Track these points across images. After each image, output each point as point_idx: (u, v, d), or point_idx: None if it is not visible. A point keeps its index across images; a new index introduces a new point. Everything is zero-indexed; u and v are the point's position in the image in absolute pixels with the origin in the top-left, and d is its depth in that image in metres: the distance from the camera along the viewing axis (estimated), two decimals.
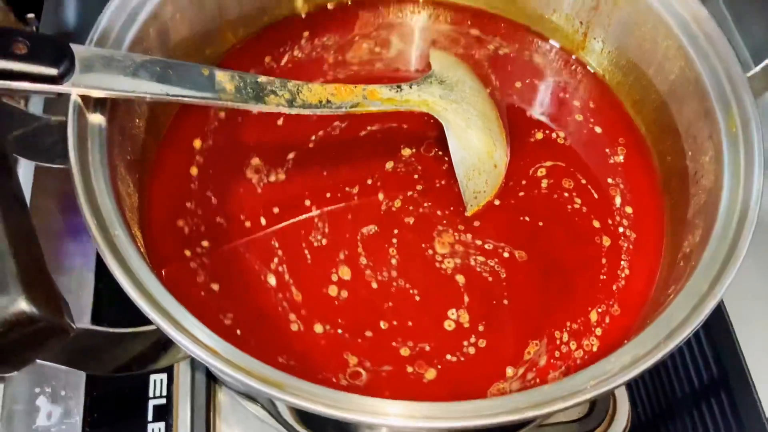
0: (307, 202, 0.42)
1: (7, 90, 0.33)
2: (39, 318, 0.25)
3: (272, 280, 0.39)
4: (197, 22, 0.43)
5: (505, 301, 0.40)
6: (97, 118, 0.35)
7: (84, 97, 0.35)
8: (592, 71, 0.49)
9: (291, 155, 0.44)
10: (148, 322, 0.31)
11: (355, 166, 0.44)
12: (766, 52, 0.42)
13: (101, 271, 0.51)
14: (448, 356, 0.38)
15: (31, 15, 0.83)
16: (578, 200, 0.43)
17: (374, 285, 0.40)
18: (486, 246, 0.41)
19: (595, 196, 0.44)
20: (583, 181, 0.44)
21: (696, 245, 0.37)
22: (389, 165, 0.44)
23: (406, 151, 0.45)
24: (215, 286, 0.39)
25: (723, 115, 0.39)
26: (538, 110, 0.47)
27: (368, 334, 0.38)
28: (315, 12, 0.50)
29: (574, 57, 0.49)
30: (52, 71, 0.33)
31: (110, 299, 0.49)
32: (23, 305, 0.24)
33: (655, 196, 0.44)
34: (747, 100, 0.38)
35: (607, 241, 0.42)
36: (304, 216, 0.42)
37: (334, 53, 0.49)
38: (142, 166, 0.40)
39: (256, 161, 0.43)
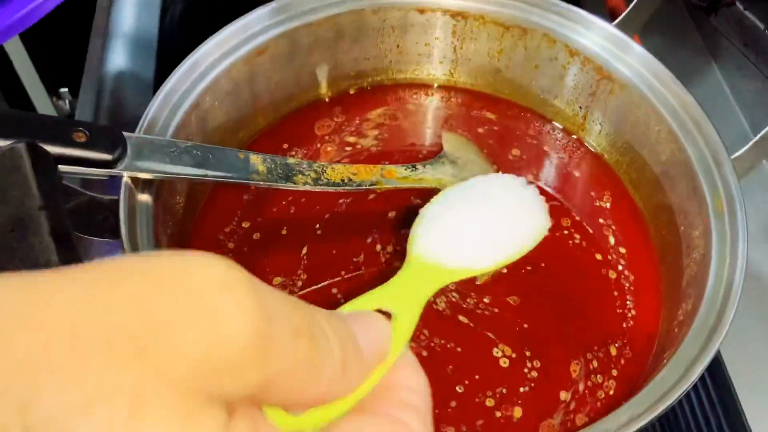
0: (334, 290, 0.45)
1: (68, 173, 0.37)
2: None
3: None
4: (233, 109, 0.48)
5: (525, 325, 0.43)
6: (144, 198, 0.39)
7: (134, 179, 0.39)
8: (592, 150, 0.53)
9: (304, 251, 0.46)
10: None
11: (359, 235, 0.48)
12: (764, 125, 0.45)
13: None
14: (521, 389, 0.41)
15: (64, 89, 0.89)
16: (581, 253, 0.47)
17: (425, 354, 0.42)
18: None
19: (601, 271, 0.47)
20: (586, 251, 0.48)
21: (688, 313, 0.40)
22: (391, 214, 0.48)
23: None
24: None
25: (710, 194, 0.42)
26: (542, 185, 0.51)
27: (453, 404, 0.41)
28: (338, 96, 0.55)
29: (575, 137, 0.53)
30: (108, 157, 0.37)
31: None
32: None
33: (653, 267, 0.47)
34: (732, 181, 0.42)
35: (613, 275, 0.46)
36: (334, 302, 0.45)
37: (355, 132, 0.53)
38: (180, 239, 0.44)
39: (278, 279, 0.45)
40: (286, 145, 0.52)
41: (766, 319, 0.58)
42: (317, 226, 0.48)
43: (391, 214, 0.48)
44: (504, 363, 0.42)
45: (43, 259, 0.31)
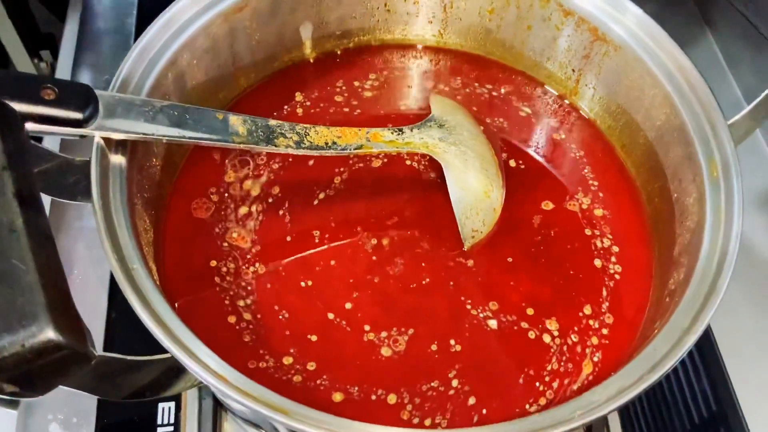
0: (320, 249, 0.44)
1: (36, 133, 0.35)
2: (64, 346, 0.27)
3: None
4: (212, 68, 0.46)
5: (511, 287, 0.43)
6: (118, 159, 0.38)
7: (106, 139, 0.37)
8: (584, 115, 0.51)
9: (288, 218, 0.45)
10: (158, 350, 0.33)
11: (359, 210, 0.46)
12: (757, 93, 0.44)
13: (113, 301, 0.53)
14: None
15: (45, 51, 0.86)
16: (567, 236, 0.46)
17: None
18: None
19: (587, 232, 0.46)
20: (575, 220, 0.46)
21: (680, 282, 0.39)
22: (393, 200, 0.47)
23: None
24: (232, 319, 0.41)
25: (705, 160, 0.41)
26: (532, 151, 0.50)
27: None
28: (323, 57, 0.53)
29: (567, 102, 0.52)
30: (78, 115, 0.35)
31: (121, 329, 0.51)
32: (51, 334, 0.26)
33: (644, 235, 0.46)
34: (728, 147, 0.41)
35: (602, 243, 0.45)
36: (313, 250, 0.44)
37: (339, 95, 0.51)
38: (157, 204, 0.43)
39: (256, 248, 0.44)
40: (268, 108, 0.50)
41: (755, 291, 0.58)
42: (287, 188, 0.46)
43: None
44: (491, 325, 0.42)
45: (6, 220, 0.29)
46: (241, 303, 0.41)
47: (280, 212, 0.45)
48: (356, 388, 0.39)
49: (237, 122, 0.40)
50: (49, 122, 0.35)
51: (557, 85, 0.52)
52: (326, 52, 0.53)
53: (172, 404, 0.49)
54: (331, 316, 0.41)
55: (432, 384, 0.39)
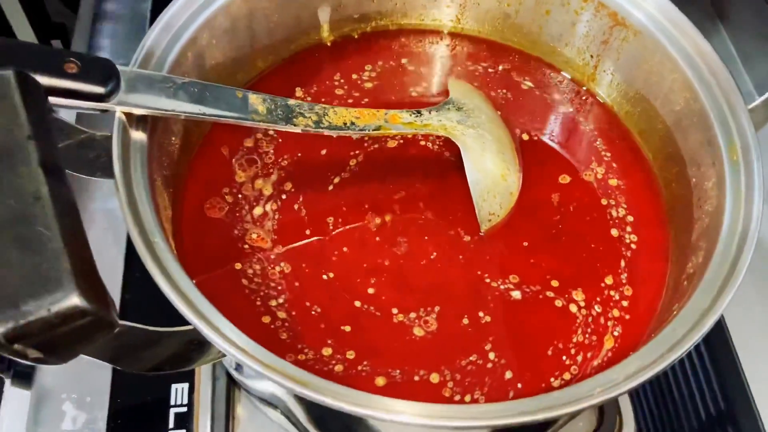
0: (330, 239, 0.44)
1: (58, 106, 0.35)
2: (89, 312, 0.27)
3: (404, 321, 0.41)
4: (230, 48, 0.46)
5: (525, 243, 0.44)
6: (139, 135, 0.38)
7: (127, 115, 0.37)
8: (602, 101, 0.51)
9: (300, 200, 0.45)
10: (173, 323, 0.33)
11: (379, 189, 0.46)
12: None
13: (127, 286, 0.53)
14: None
15: (56, 41, 0.87)
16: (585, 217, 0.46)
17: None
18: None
19: (603, 201, 0.46)
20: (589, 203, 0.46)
21: (699, 266, 0.39)
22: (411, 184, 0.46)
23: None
24: (266, 319, 0.40)
25: (725, 144, 0.41)
26: (548, 137, 0.50)
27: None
28: (340, 41, 0.53)
29: (584, 88, 0.52)
30: (100, 90, 0.36)
31: (135, 313, 0.51)
32: (76, 300, 0.26)
33: (661, 220, 0.46)
34: (748, 130, 0.41)
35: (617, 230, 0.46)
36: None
37: (357, 78, 0.51)
38: (175, 182, 0.43)
39: (266, 239, 0.44)
40: (285, 90, 0.50)
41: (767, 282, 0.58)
42: (299, 181, 0.46)
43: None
44: (514, 296, 0.42)
45: (31, 188, 0.29)
46: (273, 303, 0.41)
47: (296, 206, 0.45)
48: (398, 371, 0.39)
49: (257, 101, 0.40)
50: (71, 96, 0.35)
51: (575, 71, 0.52)
52: (344, 36, 0.53)
53: (186, 385, 0.49)
54: (358, 303, 0.41)
55: (471, 358, 0.39)
